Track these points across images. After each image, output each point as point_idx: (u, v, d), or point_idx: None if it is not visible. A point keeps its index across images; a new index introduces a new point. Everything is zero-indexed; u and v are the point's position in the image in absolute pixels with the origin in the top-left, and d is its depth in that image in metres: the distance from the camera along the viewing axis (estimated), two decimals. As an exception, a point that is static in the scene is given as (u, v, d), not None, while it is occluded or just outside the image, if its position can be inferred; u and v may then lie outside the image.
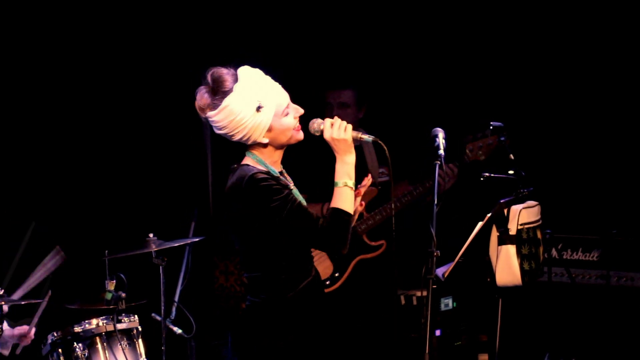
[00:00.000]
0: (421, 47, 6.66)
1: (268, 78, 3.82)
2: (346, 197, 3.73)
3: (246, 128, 3.74)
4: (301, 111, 3.84)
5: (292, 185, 3.89)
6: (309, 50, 6.47)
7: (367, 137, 3.80)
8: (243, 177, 3.75)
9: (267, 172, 3.78)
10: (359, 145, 5.73)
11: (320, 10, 6.64)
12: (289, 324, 3.79)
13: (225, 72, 3.77)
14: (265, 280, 3.80)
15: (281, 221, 3.71)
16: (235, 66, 3.81)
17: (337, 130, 3.75)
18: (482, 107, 6.40)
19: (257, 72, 3.81)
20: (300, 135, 3.86)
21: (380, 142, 3.80)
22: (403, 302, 5.88)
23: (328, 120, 3.80)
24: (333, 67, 6.43)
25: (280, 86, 3.83)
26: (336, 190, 3.75)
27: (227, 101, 3.72)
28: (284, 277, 3.79)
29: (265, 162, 3.84)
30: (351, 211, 3.74)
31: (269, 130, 3.78)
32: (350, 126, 3.76)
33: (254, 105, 3.72)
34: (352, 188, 3.74)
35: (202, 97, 3.78)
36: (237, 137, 3.79)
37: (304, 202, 3.85)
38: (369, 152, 5.71)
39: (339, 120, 3.78)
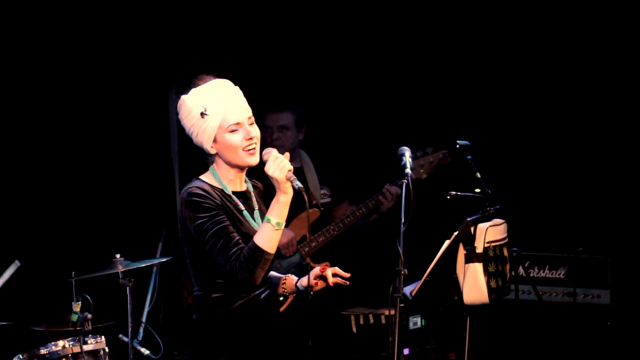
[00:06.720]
0: (368, 64, 6.64)
1: (233, 92, 3.84)
2: (268, 235, 3.70)
3: (194, 130, 3.82)
4: (252, 134, 3.80)
5: (242, 207, 3.83)
6: (246, 72, 6.37)
7: (295, 185, 3.72)
8: (184, 190, 3.80)
9: (209, 189, 3.77)
10: (299, 167, 5.70)
11: (257, 31, 6.60)
12: (220, 342, 3.78)
13: (204, 77, 3.86)
14: (202, 298, 3.81)
15: (203, 241, 3.73)
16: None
17: (272, 167, 3.72)
18: (448, 125, 6.42)
19: (223, 83, 3.85)
20: (251, 160, 3.82)
21: (304, 193, 3.75)
22: (372, 321, 5.87)
23: (274, 155, 3.77)
24: (270, 90, 6.36)
25: (241, 104, 3.83)
26: (262, 225, 3.74)
27: (183, 98, 3.84)
28: (219, 296, 3.79)
29: (220, 178, 3.84)
30: (269, 250, 3.70)
31: (215, 141, 3.80)
32: (288, 168, 3.71)
33: (199, 109, 3.78)
34: (275, 227, 3.70)
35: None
36: (193, 138, 3.87)
37: (252, 226, 3.81)
38: (309, 172, 5.69)
39: (282, 158, 3.75)
